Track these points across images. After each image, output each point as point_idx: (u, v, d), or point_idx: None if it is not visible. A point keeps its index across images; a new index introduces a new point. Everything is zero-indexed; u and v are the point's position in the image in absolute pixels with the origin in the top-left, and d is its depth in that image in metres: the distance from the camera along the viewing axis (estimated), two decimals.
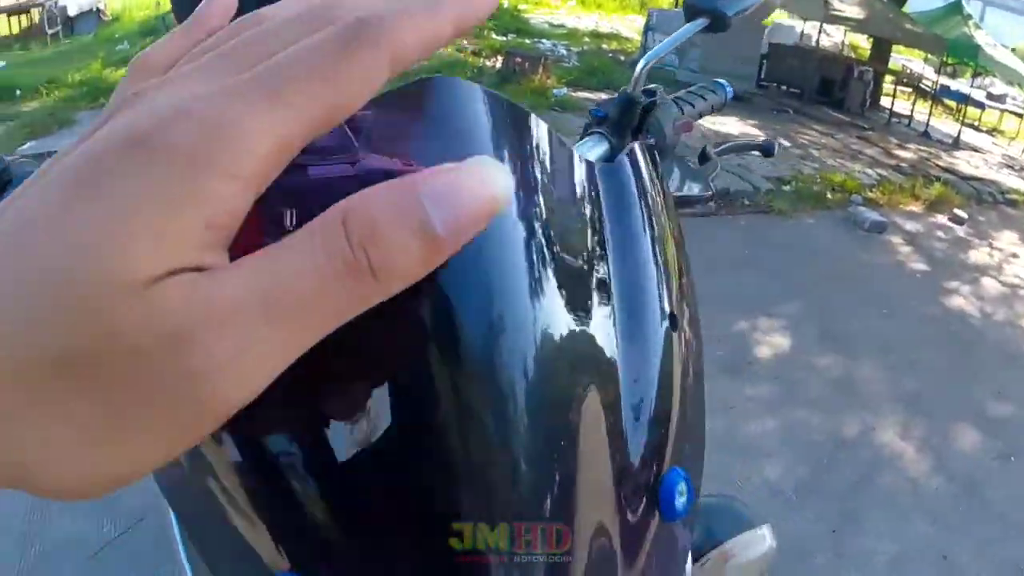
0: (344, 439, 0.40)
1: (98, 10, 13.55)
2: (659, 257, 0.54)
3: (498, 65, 7.82)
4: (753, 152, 1.18)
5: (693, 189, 0.85)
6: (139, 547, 2.33)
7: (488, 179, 0.23)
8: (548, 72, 7.35)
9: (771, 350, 3.27)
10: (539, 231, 0.45)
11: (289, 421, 0.41)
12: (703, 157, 0.97)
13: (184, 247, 0.20)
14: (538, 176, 0.48)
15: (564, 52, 9.08)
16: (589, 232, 0.51)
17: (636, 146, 0.61)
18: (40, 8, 12.55)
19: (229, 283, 0.21)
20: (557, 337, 0.44)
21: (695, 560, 0.82)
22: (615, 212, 0.54)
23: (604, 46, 9.84)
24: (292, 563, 0.44)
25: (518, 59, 7.09)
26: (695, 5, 0.86)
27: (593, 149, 0.81)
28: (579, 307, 0.46)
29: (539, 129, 0.49)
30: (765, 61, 8.62)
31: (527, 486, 0.41)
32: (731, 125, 6.61)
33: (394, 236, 0.21)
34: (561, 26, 10.95)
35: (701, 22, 0.85)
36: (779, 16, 12.12)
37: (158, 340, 0.20)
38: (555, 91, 6.73)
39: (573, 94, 6.69)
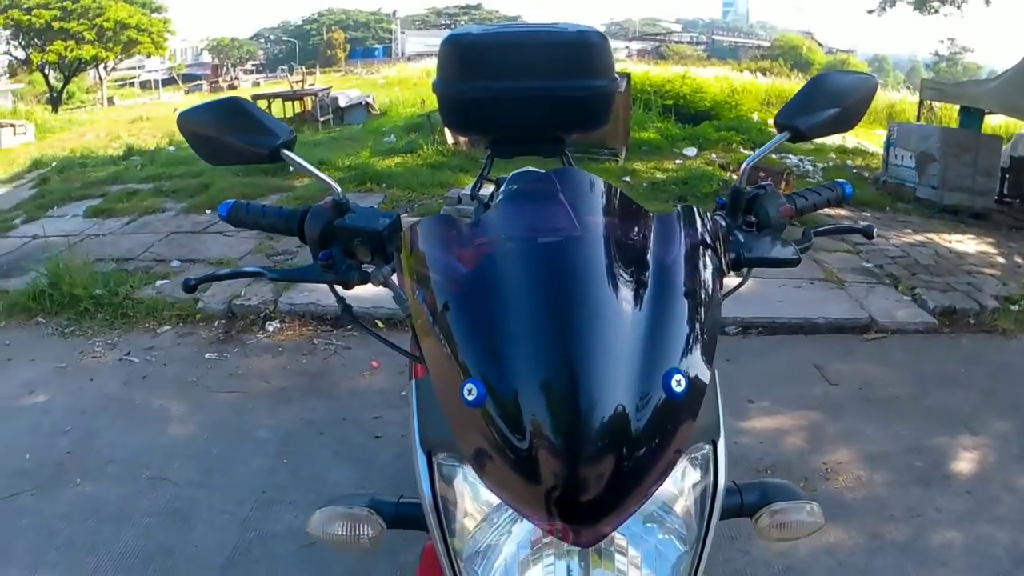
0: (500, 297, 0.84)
1: (367, 104, 15.12)
2: (680, 266, 0.91)
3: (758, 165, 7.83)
4: (854, 234, 1.41)
5: (782, 254, 1.11)
6: None
7: None
8: (791, 187, 7.29)
9: (968, 465, 3.11)
10: (612, 244, 0.89)
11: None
12: (804, 235, 1.24)
13: None
14: (614, 220, 0.94)
15: (810, 167, 9.00)
16: (639, 249, 0.93)
17: (686, 208, 1.04)
18: (314, 97, 14.23)
19: None
20: (607, 295, 0.82)
21: (749, 515, 1.05)
22: (661, 242, 0.95)
23: (849, 162, 9.64)
24: (474, 373, 0.80)
25: (761, 173, 7.10)
26: (780, 122, 1.23)
27: None
28: (623, 288, 0.84)
29: (618, 193, 1.00)
30: (1007, 176, 7.96)
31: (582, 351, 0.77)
32: (967, 244, 6.26)
33: None
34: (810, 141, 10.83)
35: (785, 134, 1.23)
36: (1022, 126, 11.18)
37: None
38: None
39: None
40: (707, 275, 0.95)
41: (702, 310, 0.89)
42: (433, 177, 7.94)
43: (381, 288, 1.15)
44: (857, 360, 4.06)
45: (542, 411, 0.74)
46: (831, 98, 1.22)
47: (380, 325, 4.26)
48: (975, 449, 3.23)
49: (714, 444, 0.90)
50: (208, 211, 6.82)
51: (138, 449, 3.19)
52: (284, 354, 4.15)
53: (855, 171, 9.08)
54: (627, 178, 8.11)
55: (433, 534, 0.89)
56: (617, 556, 0.89)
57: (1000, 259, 5.89)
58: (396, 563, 2.37)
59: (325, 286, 1.15)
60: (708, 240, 1.01)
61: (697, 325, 0.86)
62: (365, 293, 1.32)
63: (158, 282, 5.05)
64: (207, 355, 4.13)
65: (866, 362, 4.05)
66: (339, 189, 1.18)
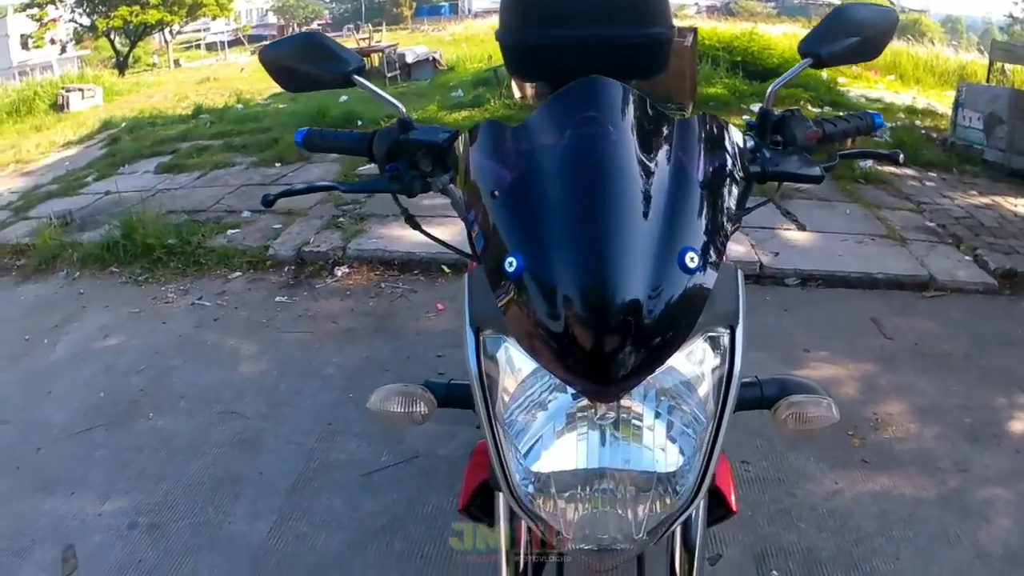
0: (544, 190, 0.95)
1: (434, 59, 15.13)
2: (698, 164, 1.01)
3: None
4: (881, 159, 1.51)
5: (806, 170, 1.17)
6: (408, 478, 2.74)
7: None
8: (857, 145, 7.10)
9: (1019, 425, 3.08)
10: (637, 142, 0.98)
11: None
12: (830, 157, 1.31)
13: None
14: (641, 122, 1.03)
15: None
16: (663, 147, 1.02)
17: (707, 115, 1.12)
18: (381, 53, 14.29)
19: None
20: (632, 185, 0.92)
21: (768, 407, 1.12)
22: (681, 141, 1.04)
23: (917, 122, 9.36)
24: (514, 249, 0.92)
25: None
26: (802, 50, 1.29)
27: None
28: (647, 180, 0.94)
29: (641, 100, 1.07)
30: None
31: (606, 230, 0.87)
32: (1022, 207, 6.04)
33: None
34: (878, 100, 10.56)
35: (808, 60, 1.29)
36: None
37: None
38: (861, 163, 6.56)
39: (878, 167, 6.48)
40: (724, 176, 1.05)
41: (717, 205, 1.00)
42: None
43: (447, 232, 1.27)
44: (914, 316, 4.04)
45: (571, 282, 0.85)
46: (852, 28, 1.28)
47: (446, 270, 4.42)
48: None
49: (732, 330, 0.96)
50: (277, 164, 6.99)
51: (209, 386, 3.35)
52: (352, 297, 4.28)
53: (923, 132, 8.82)
54: None
55: (478, 406, 0.98)
56: (645, 430, 0.99)
57: None
58: (452, 491, 2.49)
59: (394, 233, 1.27)
60: (728, 145, 1.11)
61: (711, 217, 0.97)
62: (431, 240, 1.44)
63: (229, 231, 5.21)
64: (277, 299, 4.29)
65: (923, 319, 4.03)
66: (403, 109, 1.31)
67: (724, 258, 0.97)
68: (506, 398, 1.01)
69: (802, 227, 4.66)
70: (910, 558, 2.35)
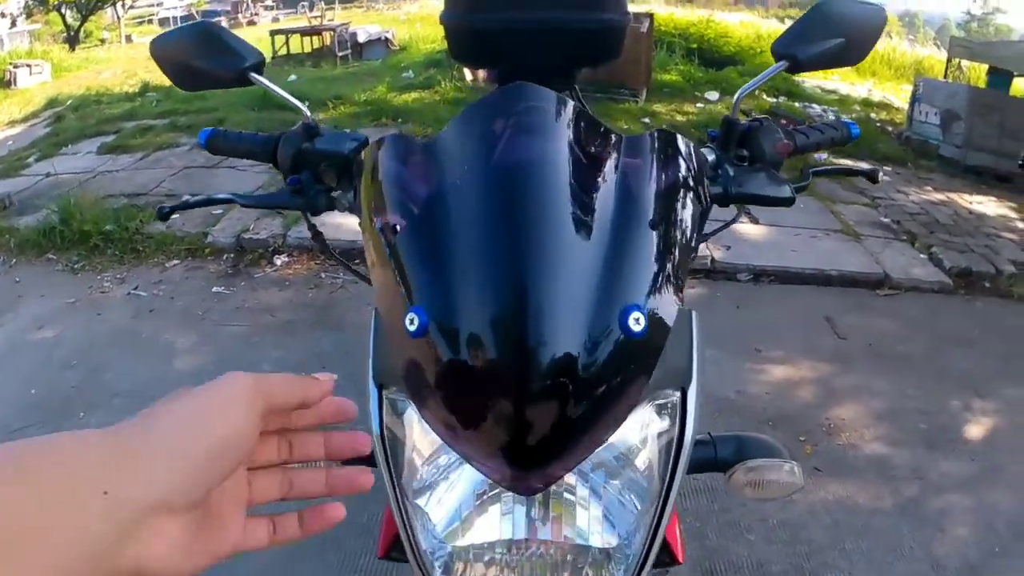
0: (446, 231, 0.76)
1: (386, 39, 14.85)
2: (649, 194, 0.83)
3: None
4: (858, 175, 1.31)
5: (774, 191, 1.03)
6: None
7: None
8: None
9: (976, 430, 3.07)
10: (573, 168, 0.79)
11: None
12: (802, 174, 1.15)
13: None
14: (578, 143, 0.83)
15: (832, 118, 8.78)
16: (605, 174, 0.83)
17: (660, 132, 0.93)
18: (332, 32, 14.01)
19: None
20: (565, 223, 0.74)
21: (723, 470, 0.97)
22: (629, 168, 0.86)
23: (872, 115, 9.41)
24: (417, 302, 0.74)
25: (783, 120, 6.94)
26: (777, 51, 1.13)
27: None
28: (584, 217, 0.76)
29: (585, 114, 0.89)
30: None
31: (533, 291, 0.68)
32: (988, 206, 6.11)
33: None
34: (834, 92, 10.60)
35: (782, 64, 1.13)
36: None
37: None
38: (817, 155, 6.54)
39: (834, 160, 6.46)
40: (680, 206, 0.87)
41: (671, 244, 0.81)
42: (450, 112, 7.78)
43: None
44: (869, 315, 4.01)
45: (487, 345, 0.68)
46: (835, 27, 1.12)
47: None
48: (983, 414, 3.18)
49: (683, 392, 0.82)
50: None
51: (143, 382, 3.21)
52: (291, 288, 4.15)
53: (879, 124, 8.87)
54: (646, 119, 7.96)
55: (382, 471, 0.85)
56: (578, 506, 0.85)
57: (1020, 224, 5.76)
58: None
59: (335, 221, 1.12)
60: (684, 169, 0.92)
61: (664, 260, 0.79)
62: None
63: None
64: (215, 289, 4.14)
65: (878, 317, 4.00)
66: (308, 112, 1.16)
67: (679, 301, 0.81)
68: (418, 461, 0.87)
69: (755, 220, 4.60)
70: (863, 571, 2.29)
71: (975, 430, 3.07)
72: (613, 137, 0.90)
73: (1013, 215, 5.99)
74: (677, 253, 0.82)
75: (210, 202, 1.20)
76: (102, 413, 3.00)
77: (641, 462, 0.85)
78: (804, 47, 1.11)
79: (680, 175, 0.90)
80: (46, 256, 4.64)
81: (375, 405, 0.84)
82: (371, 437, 0.82)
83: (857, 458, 2.81)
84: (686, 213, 0.88)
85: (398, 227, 0.81)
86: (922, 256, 4.75)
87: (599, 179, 0.82)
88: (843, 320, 3.90)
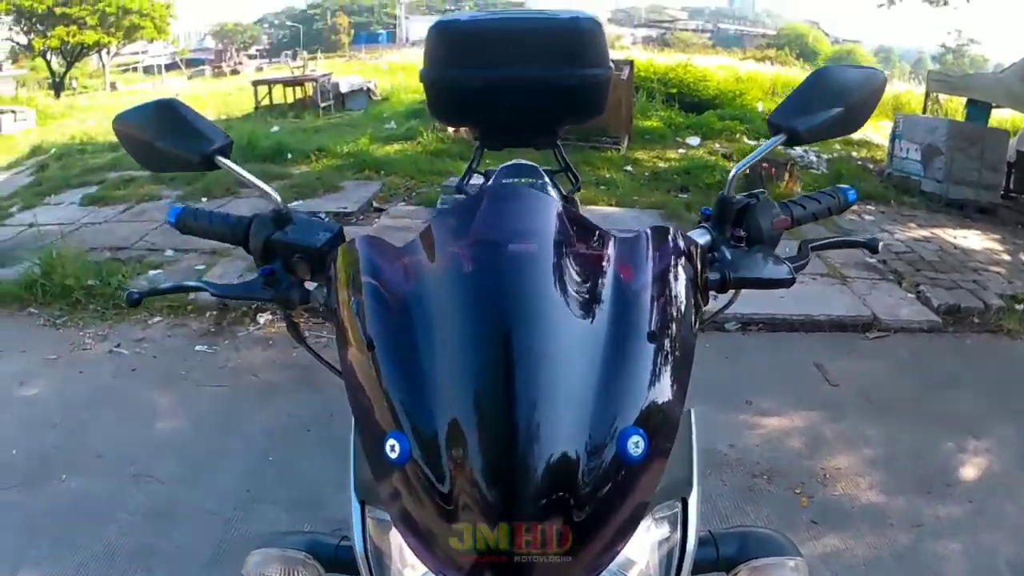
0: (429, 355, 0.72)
1: (369, 90, 14.95)
2: (645, 302, 0.79)
3: (747, 170, 7.69)
4: (858, 247, 1.25)
5: (774, 273, 1.00)
6: None
7: None
8: (795, 178, 7.19)
9: (971, 472, 3.05)
10: (564, 276, 0.76)
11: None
12: (800, 251, 1.13)
13: None
14: (567, 247, 0.81)
15: (814, 158, 8.86)
16: (599, 283, 0.79)
17: (656, 230, 0.91)
18: (315, 83, 14.08)
19: None
20: (557, 341, 0.70)
21: (726, 570, 0.93)
22: (624, 272, 0.81)
23: (854, 153, 9.53)
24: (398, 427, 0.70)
25: (765, 164, 6.98)
26: (774, 123, 1.08)
27: (697, 239, 1.05)
28: (578, 332, 0.72)
29: (575, 215, 0.89)
30: (1014, 170, 7.80)
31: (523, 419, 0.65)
32: (972, 240, 6.16)
33: None
34: None
35: (780, 137, 1.08)
36: None
37: None
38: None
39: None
40: (679, 309, 0.83)
41: (671, 352, 0.77)
42: (432, 165, 7.84)
43: None
44: (859, 359, 3.99)
45: (475, 475, 0.65)
46: (834, 96, 1.08)
47: None
48: (978, 455, 3.16)
49: (684, 501, 0.79)
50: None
51: (125, 444, 3.15)
52: (274, 347, 4.09)
53: (859, 163, 8.97)
54: (629, 167, 8.00)
55: None
56: None
57: (1006, 256, 5.81)
58: None
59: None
60: (681, 266, 0.88)
61: (663, 372, 0.75)
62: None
63: (151, 272, 4.99)
64: (197, 347, 4.08)
65: (868, 361, 3.98)
66: (278, 198, 1.09)
67: (681, 410, 0.76)
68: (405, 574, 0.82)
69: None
70: None
71: (970, 472, 3.04)
72: (605, 239, 0.86)
73: (998, 247, 6.03)
74: (678, 360, 0.78)
75: (182, 288, 1.16)
76: (83, 475, 2.93)
77: (641, 566, 0.81)
78: (803, 119, 1.07)
79: (677, 276, 0.86)
80: (28, 310, 4.58)
81: (358, 523, 0.80)
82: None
83: (854, 508, 2.76)
84: (685, 316, 0.84)
85: (373, 341, 0.76)
86: (910, 295, 4.75)
87: (592, 290, 0.78)
88: (834, 366, 3.87)
